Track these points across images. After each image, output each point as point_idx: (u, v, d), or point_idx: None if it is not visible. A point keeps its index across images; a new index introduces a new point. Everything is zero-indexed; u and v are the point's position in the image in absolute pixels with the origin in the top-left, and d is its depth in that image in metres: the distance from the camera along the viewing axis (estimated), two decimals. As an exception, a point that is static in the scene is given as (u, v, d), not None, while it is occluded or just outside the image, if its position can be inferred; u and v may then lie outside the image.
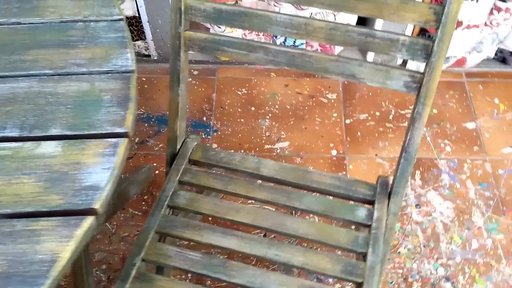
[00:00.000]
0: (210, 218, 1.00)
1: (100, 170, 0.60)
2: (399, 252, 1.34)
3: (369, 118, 1.60)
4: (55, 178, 0.59)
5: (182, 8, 0.90)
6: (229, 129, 1.58)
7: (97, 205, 0.57)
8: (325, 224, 0.93)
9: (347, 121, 1.60)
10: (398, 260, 1.32)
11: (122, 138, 0.63)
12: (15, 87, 0.67)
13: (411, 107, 1.60)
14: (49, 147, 0.61)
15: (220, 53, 0.94)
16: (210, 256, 0.89)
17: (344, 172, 1.48)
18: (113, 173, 0.59)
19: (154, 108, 1.64)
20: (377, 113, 1.61)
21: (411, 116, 0.89)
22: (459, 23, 1.53)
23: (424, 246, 1.35)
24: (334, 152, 1.53)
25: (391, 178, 0.99)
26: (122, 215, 1.39)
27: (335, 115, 1.62)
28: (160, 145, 1.54)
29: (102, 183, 0.58)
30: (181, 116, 1.01)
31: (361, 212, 0.94)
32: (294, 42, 1.63)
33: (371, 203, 0.97)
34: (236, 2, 1.53)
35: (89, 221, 0.56)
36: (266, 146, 1.54)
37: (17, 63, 0.70)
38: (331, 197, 0.98)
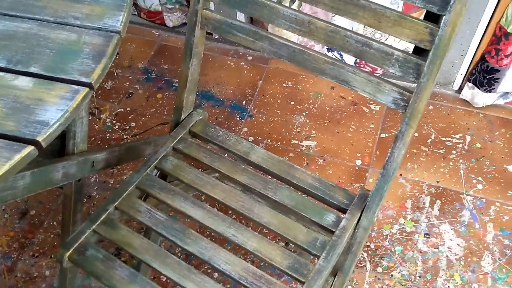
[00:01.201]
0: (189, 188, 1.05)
1: (55, 110, 0.67)
2: (391, 275, 1.30)
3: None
4: (17, 108, 0.68)
5: (201, -12, 0.96)
6: (263, 117, 1.62)
7: (40, 138, 0.65)
8: (290, 219, 0.95)
9: (382, 135, 1.57)
10: (388, 283, 1.29)
11: (84, 87, 0.70)
12: (18, 26, 0.77)
13: (454, 135, 1.53)
14: (23, 82, 0.71)
15: (230, 36, 0.98)
16: (173, 221, 0.95)
17: (362, 184, 1.46)
18: (64, 115, 0.67)
19: (201, 83, 1.72)
20: (416, 134, 1.56)
21: (396, 134, 0.88)
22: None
23: (419, 277, 1.30)
24: (358, 162, 1.51)
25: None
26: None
27: (372, 126, 1.59)
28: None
29: (51, 121, 0.66)
30: (189, 89, 1.07)
31: (329, 218, 0.95)
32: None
33: (344, 211, 0.96)
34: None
35: (28, 149, 0.64)
36: (293, 141, 1.56)
37: (28, 6, 0.80)
38: (307, 196, 0.99)
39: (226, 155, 1.06)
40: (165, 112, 1.66)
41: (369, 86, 0.87)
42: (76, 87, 0.70)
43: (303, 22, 0.90)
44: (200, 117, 1.11)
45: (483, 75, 1.50)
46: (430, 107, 1.60)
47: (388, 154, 0.89)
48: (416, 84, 0.82)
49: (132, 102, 1.69)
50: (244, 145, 1.07)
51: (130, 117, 1.65)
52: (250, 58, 1.79)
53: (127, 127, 1.63)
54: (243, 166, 1.03)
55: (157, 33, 1.91)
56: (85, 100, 0.70)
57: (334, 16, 1.53)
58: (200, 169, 1.04)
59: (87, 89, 0.70)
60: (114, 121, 1.64)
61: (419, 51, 0.88)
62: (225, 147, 1.07)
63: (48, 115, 0.67)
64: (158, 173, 1.05)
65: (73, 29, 0.77)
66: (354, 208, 0.96)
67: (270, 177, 1.02)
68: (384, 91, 0.86)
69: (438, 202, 1.42)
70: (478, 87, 1.54)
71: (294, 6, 1.55)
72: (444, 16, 0.76)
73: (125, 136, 1.60)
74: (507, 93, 1.55)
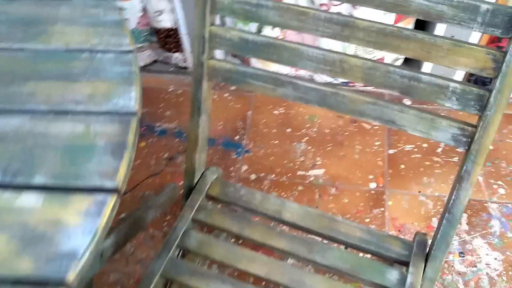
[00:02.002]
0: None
1: (80, 233, 0.52)
2: (436, 305, 1.20)
3: (415, 149, 1.47)
4: (29, 238, 0.52)
5: (206, 36, 0.82)
6: (262, 151, 1.49)
7: (70, 277, 0.49)
8: (348, 286, 0.83)
9: (391, 151, 1.47)
10: (434, 315, 1.19)
11: (111, 194, 0.55)
12: (5, 124, 0.61)
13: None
14: (29, 199, 0.55)
15: (245, 85, 0.85)
16: (216, 311, 0.80)
17: (382, 209, 1.36)
18: (95, 239, 0.52)
19: (186, 123, 1.57)
20: (425, 145, 1.48)
21: (458, 173, 0.77)
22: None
23: (465, 301, 1.21)
24: (373, 185, 1.41)
25: (431, 235, 0.87)
26: (142, 235, 1.34)
27: (377, 143, 1.49)
28: (188, 163, 1.47)
29: (80, 250, 0.51)
30: (200, 148, 0.93)
31: (393, 275, 0.83)
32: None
33: (405, 264, 0.85)
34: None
35: (58, 296, 0.48)
36: (299, 173, 1.44)
37: (13, 95, 0.64)
38: (359, 253, 0.88)
39: (255, 217, 0.93)
40: (152, 162, 1.49)
41: (422, 124, 0.76)
42: (101, 196, 0.55)
43: (334, 61, 0.78)
44: (215, 176, 0.97)
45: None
46: (431, 113, 1.52)
47: (453, 197, 0.78)
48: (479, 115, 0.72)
49: (112, 155, 1.52)
50: (272, 202, 0.94)
51: (114, 173, 1.48)
52: (232, 88, 1.66)
53: (113, 185, 1.45)
54: (278, 229, 0.90)
55: (125, 73, 1.74)
56: (115, 211, 0.55)
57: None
58: (229, 237, 0.91)
59: (115, 195, 0.55)
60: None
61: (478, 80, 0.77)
62: (252, 207, 0.93)
63: (74, 242, 0.52)
64: (181, 252, 0.90)
65: (77, 117, 0.61)
66: (417, 259, 0.85)
67: (311, 235, 0.90)
68: (440, 128, 0.76)
69: (465, 215, 1.34)
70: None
71: (275, 32, 1.43)
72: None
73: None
74: None
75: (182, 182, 1.43)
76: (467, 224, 1.33)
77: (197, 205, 0.92)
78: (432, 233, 1.31)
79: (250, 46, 0.81)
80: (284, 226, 0.93)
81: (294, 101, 0.83)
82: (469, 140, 0.74)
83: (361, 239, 0.88)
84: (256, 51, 0.81)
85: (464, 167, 0.75)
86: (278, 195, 1.39)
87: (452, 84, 0.72)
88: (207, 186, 0.95)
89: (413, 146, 1.48)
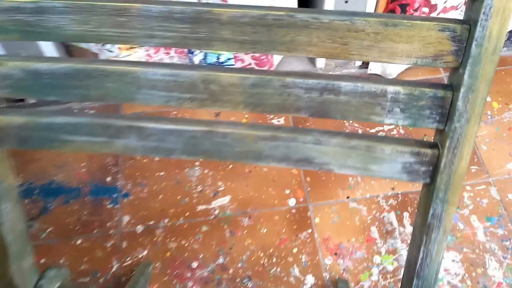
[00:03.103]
0: None
1: None
2: None
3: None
4: None
5: (-38, 78, 0.46)
6: (145, 190, 1.15)
7: None
8: None
9: (304, 154, 1.20)
10: None
11: None
12: None
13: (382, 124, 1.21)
14: None
15: (58, 145, 0.50)
16: None
17: (310, 230, 1.08)
18: None
19: (37, 174, 1.18)
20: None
21: (421, 218, 0.49)
22: (433, 7, 1.14)
23: (431, 325, 0.97)
24: (292, 202, 1.13)
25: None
26: None
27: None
28: (49, 229, 1.09)
29: None
30: (17, 254, 0.58)
31: None
32: (218, 58, 1.20)
33: None
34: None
35: None
36: (200, 208, 1.12)
37: None
38: None
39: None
40: None
41: (353, 156, 0.47)
42: None
43: (194, 84, 0.46)
44: (57, 285, 0.62)
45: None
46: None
47: (421, 255, 0.50)
48: (444, 129, 0.45)
49: None
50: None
51: None
52: (92, 112, 1.28)
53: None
54: None
55: None
56: None
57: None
58: None
59: None
60: None
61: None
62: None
63: None
64: None
65: None
66: None
67: None
68: (383, 158, 0.47)
69: (406, 214, 1.11)
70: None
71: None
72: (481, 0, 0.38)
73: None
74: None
75: (44, 260, 1.05)
76: (410, 225, 1.09)
77: None
78: (374, 247, 1.07)
79: (46, 82, 0.46)
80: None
81: (145, 155, 0.51)
82: (431, 168, 0.46)
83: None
84: (59, 89, 0.47)
85: (431, 211, 0.48)
86: (178, 245, 1.06)
87: (390, 88, 0.43)
88: (48, 305, 0.60)
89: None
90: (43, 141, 0.50)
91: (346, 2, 1.13)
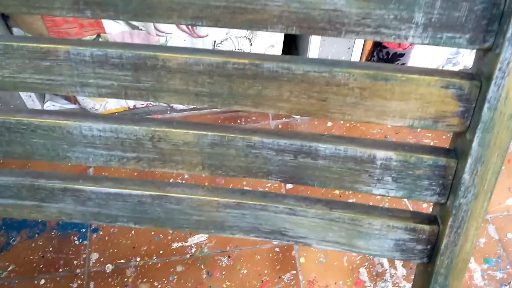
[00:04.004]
0: None
1: None
2: None
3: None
4: None
5: None
6: (116, 225, 1.05)
7: None
8: None
9: (288, 186, 1.11)
10: None
11: None
12: None
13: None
14: None
15: (-21, 209, 0.41)
16: None
17: (294, 272, 1.00)
18: None
19: None
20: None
21: (416, 303, 0.41)
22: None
23: None
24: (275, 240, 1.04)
25: None
26: None
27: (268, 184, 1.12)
28: (10, 268, 1.00)
29: None
30: None
31: None
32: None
33: None
34: (99, 35, 1.00)
35: None
36: (175, 245, 1.03)
37: None
38: None
39: None
40: (-45, 277, 1.00)
41: (335, 230, 0.39)
42: None
43: (139, 141, 0.37)
44: None
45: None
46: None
47: None
48: (445, 202, 0.36)
49: None
50: None
51: None
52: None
53: None
54: None
55: None
56: None
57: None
58: None
59: None
60: None
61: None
62: None
63: None
64: None
65: None
66: None
67: None
68: (371, 234, 0.38)
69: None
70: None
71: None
72: (496, 52, 0.30)
73: None
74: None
75: (1, 304, 0.96)
76: (403, 266, 1.01)
77: None
78: (364, 291, 0.98)
79: (-43, 138, 0.38)
80: None
81: (83, 222, 0.42)
82: (429, 247, 0.38)
83: None
84: (-26, 146, 0.38)
85: (429, 297, 0.39)
86: (150, 286, 0.97)
87: (380, 154, 0.35)
88: None
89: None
90: (-40, 204, 0.41)
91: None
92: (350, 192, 1.07)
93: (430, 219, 0.38)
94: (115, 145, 0.37)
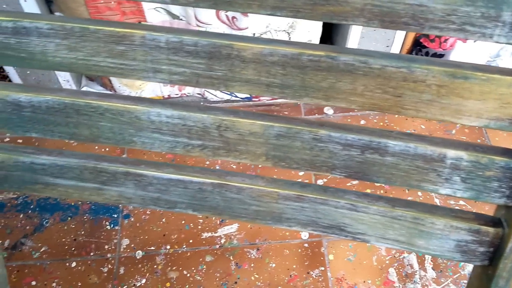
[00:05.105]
0: None
1: None
2: None
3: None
4: None
5: None
6: (148, 211, 1.06)
7: None
8: None
9: (319, 182, 1.11)
10: None
11: None
12: None
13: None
14: None
15: (40, 188, 0.42)
16: None
17: (323, 268, 0.99)
18: None
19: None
20: (361, 166, 1.13)
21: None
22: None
23: None
24: (305, 235, 1.04)
25: None
26: None
27: (301, 173, 1.12)
28: (43, 249, 1.01)
29: None
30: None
31: None
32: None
33: None
34: (139, 23, 1.01)
35: None
36: (204, 235, 1.04)
37: None
38: None
39: None
40: None
41: (395, 228, 0.39)
42: None
43: (206, 129, 0.37)
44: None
45: (422, 64, 1.10)
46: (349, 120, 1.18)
47: None
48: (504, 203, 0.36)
49: None
50: None
51: None
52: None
53: None
54: None
55: None
56: None
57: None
58: None
59: None
60: None
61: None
62: None
63: None
64: None
65: None
66: None
67: None
68: (433, 233, 0.38)
69: (428, 257, 1.01)
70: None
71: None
72: None
73: None
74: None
75: (34, 283, 0.97)
76: (433, 269, 1.00)
77: None
78: (392, 291, 0.98)
79: (28, 117, 0.38)
80: None
81: (143, 206, 0.43)
82: (491, 250, 0.38)
83: None
84: (42, 125, 0.39)
85: (488, 300, 0.39)
86: (179, 274, 0.98)
87: (451, 153, 0.35)
88: None
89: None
90: (24, 183, 0.42)
91: (375, 30, 1.04)
92: (386, 186, 1.07)
93: (495, 221, 0.37)
94: (182, 132, 0.37)
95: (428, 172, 0.35)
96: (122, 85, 1.12)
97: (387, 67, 0.32)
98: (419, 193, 1.05)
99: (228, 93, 1.17)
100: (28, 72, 1.09)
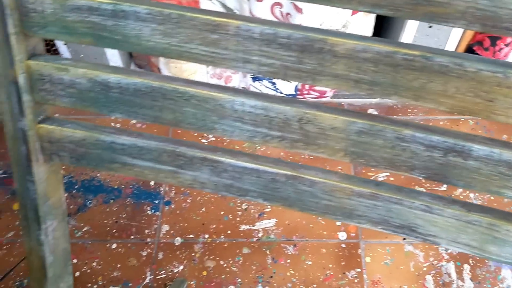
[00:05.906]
0: None
1: None
2: None
3: (392, 178, 1.11)
4: None
5: (22, 80, 0.40)
6: (188, 200, 1.08)
7: None
8: None
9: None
10: None
11: None
12: None
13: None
14: None
15: (118, 167, 0.44)
16: None
17: (359, 270, 0.99)
18: None
19: (79, 168, 1.13)
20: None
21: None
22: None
23: None
24: (343, 236, 1.04)
25: None
26: None
27: (339, 167, 1.12)
28: (85, 229, 1.04)
29: None
30: (56, 275, 0.51)
31: None
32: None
33: None
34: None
35: None
36: (243, 227, 1.05)
37: None
38: None
39: None
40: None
41: (469, 233, 0.39)
42: None
43: (287, 121, 0.38)
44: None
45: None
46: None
47: None
48: None
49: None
50: None
51: (-23, 253, 1.02)
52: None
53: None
54: None
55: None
56: None
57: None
58: None
59: None
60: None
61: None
62: None
63: None
64: None
65: None
66: None
67: None
68: (508, 241, 0.38)
69: (467, 267, 1.00)
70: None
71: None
72: None
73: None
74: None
75: (75, 261, 1.00)
76: (471, 279, 0.99)
77: None
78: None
79: (115, 98, 0.40)
80: None
81: (215, 192, 0.43)
82: None
83: None
84: (128, 107, 0.40)
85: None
86: (216, 264, 0.99)
87: (537, 161, 0.35)
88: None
89: (388, 174, 1.12)
90: (102, 161, 0.43)
91: (430, 27, 1.04)
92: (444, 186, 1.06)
93: None
94: (263, 123, 0.38)
95: (510, 178, 0.35)
96: (171, 75, 1.14)
97: (482, 71, 0.32)
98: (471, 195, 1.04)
99: (274, 88, 1.18)
100: (81, 55, 1.11)
